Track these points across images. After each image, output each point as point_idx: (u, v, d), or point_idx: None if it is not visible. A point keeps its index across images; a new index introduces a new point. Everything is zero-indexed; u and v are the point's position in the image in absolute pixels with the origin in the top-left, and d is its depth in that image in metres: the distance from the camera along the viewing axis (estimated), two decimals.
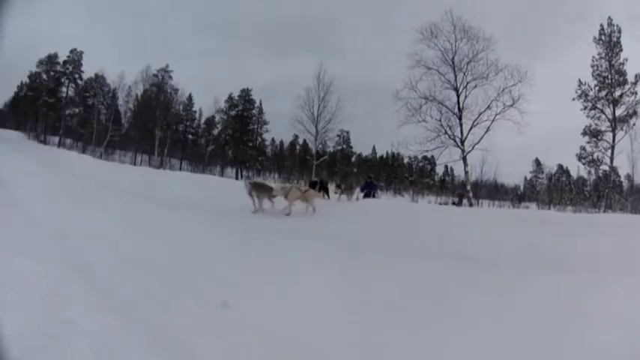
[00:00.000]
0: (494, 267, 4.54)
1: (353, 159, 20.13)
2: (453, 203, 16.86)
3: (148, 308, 2.89)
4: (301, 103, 17.62)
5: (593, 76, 16.21)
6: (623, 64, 15.93)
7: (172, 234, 5.47)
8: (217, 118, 19.67)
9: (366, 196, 13.36)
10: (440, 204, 17.25)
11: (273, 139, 20.60)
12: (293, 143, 20.61)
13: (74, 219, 5.18)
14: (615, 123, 15.81)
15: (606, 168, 16.32)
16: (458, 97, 16.45)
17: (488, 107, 16.01)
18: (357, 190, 13.11)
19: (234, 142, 19.61)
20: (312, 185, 10.86)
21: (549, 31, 16.84)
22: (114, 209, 6.63)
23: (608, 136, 15.98)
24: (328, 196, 11.21)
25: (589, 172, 17.29)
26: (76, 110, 18.52)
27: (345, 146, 19.95)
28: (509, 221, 9.27)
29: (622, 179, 16.82)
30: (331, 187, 12.14)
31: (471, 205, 15.92)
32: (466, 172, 16.23)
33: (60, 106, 18.16)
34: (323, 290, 3.45)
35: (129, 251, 4.19)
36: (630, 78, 15.77)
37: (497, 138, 15.68)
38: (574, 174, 18.21)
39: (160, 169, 17.19)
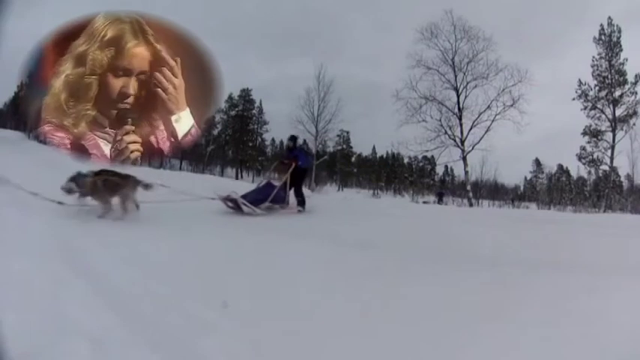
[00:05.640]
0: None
1: (353, 159, 20.13)
2: (436, 201, 17.03)
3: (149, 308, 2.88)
4: (301, 103, 17.63)
5: (593, 76, 16.20)
6: (623, 64, 15.94)
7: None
8: (217, 118, 19.66)
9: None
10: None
11: (273, 139, 20.56)
12: None
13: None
14: (615, 123, 15.81)
15: (606, 168, 16.34)
16: (458, 97, 16.44)
17: (489, 107, 16.03)
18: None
19: (234, 142, 19.61)
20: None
21: (549, 31, 16.82)
22: None
23: (608, 136, 15.98)
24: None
25: (589, 172, 17.30)
26: None
27: (345, 146, 19.95)
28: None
29: (622, 179, 16.86)
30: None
31: (470, 205, 15.95)
32: (466, 172, 16.24)
33: None
34: None
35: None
36: (630, 78, 15.80)
37: (497, 138, 15.72)
38: (574, 174, 18.24)
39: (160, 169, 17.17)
